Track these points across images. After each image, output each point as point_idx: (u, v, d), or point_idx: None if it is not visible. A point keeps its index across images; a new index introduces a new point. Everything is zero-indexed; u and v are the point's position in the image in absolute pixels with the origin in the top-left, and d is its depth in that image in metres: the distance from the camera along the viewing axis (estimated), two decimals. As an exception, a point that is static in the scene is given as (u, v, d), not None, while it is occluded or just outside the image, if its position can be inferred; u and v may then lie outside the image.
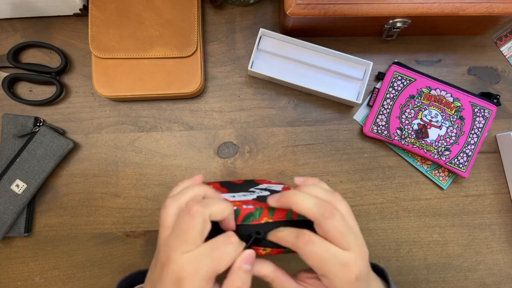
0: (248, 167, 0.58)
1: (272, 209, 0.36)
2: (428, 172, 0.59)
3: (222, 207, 0.33)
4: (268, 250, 0.35)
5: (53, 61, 0.59)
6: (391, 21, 0.53)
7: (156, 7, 0.55)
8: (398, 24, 0.53)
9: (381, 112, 0.57)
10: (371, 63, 0.56)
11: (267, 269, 0.34)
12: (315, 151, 0.59)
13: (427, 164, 0.59)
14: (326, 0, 0.48)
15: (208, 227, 0.32)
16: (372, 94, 0.58)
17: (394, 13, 0.50)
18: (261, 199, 0.38)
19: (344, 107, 0.60)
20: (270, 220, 0.35)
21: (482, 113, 0.57)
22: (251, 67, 0.56)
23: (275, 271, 0.34)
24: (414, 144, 0.56)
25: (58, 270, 0.56)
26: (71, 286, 0.56)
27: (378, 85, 0.59)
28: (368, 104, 0.59)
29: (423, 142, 0.56)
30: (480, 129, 0.57)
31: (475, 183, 0.59)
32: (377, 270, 0.40)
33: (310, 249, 0.32)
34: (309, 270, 0.36)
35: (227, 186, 0.45)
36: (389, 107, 0.57)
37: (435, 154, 0.56)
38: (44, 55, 0.59)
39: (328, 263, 0.32)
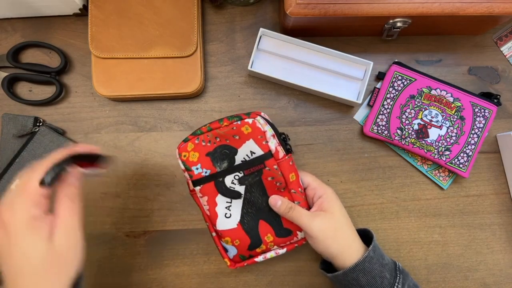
0: (248, 167, 0.58)
1: None
2: (428, 172, 0.59)
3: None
4: None
5: (53, 61, 0.59)
6: (391, 21, 0.53)
7: (156, 7, 0.55)
8: (398, 24, 0.53)
9: (381, 112, 0.57)
10: (371, 63, 0.56)
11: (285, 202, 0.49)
12: (315, 151, 0.59)
13: (427, 164, 0.59)
14: (326, 0, 0.48)
15: None
16: (372, 94, 0.58)
17: (394, 13, 0.50)
18: None
19: (344, 107, 0.60)
20: None
21: (483, 113, 0.57)
22: (251, 67, 0.56)
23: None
24: (414, 144, 0.56)
25: (58, 270, 0.56)
26: (71, 286, 0.56)
27: (378, 85, 0.59)
28: (368, 104, 0.59)
29: (423, 142, 0.56)
30: (480, 129, 0.57)
31: (475, 183, 0.59)
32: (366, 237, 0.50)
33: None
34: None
35: None
36: (390, 107, 0.57)
37: (436, 154, 0.56)
38: (44, 55, 0.59)
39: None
